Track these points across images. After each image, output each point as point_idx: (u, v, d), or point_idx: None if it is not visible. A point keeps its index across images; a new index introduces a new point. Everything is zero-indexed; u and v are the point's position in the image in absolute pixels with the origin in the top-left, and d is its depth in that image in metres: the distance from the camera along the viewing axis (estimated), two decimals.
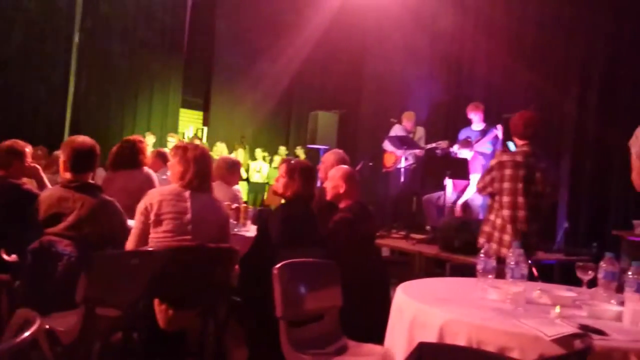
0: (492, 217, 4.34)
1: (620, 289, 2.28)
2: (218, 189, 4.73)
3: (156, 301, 3.09)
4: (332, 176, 3.83)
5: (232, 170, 5.38)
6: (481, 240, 4.35)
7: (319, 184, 4.88)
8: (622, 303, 2.13)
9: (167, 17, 12.27)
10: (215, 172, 5.16)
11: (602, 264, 2.34)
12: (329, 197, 3.83)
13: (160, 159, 5.87)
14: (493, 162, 4.40)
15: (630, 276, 2.13)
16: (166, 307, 3.08)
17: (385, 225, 7.21)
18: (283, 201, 3.77)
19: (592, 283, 2.42)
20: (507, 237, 4.19)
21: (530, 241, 4.07)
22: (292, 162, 3.84)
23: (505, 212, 4.22)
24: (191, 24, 12.71)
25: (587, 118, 7.50)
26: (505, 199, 4.23)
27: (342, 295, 2.89)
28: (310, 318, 2.85)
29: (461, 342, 1.86)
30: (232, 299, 3.56)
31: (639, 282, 2.10)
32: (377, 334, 2.52)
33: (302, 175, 3.67)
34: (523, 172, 4.17)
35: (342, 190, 3.77)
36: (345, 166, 4.07)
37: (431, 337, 1.93)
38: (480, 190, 4.49)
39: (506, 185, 4.23)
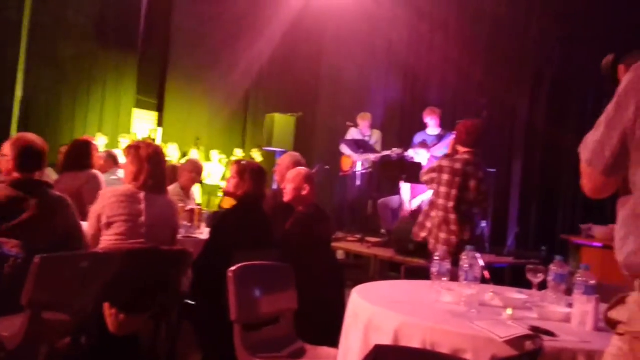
0: (433, 214, 4.69)
1: (569, 291, 2.34)
2: (173, 192, 4.67)
3: (106, 305, 3.01)
4: (293, 177, 3.79)
5: (191, 172, 5.31)
6: (422, 234, 4.64)
7: (275, 186, 4.86)
8: (570, 305, 2.18)
9: (121, 15, 12.01)
10: (174, 174, 5.11)
11: (552, 267, 2.39)
12: (288, 198, 3.80)
13: (111, 160, 5.78)
14: (435, 164, 4.76)
15: (578, 279, 2.19)
16: (116, 311, 3.00)
17: (341, 229, 7.23)
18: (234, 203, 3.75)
19: (542, 285, 2.47)
20: (442, 235, 4.58)
21: (470, 243, 4.24)
22: (243, 162, 3.85)
23: (440, 214, 4.60)
24: (146, 22, 12.48)
25: (538, 123, 7.68)
26: (440, 201, 4.60)
27: (297, 298, 2.88)
28: (265, 321, 2.82)
29: (416, 344, 1.87)
30: (185, 302, 3.50)
31: (587, 285, 2.15)
32: (332, 337, 2.52)
33: (253, 175, 3.68)
34: (459, 180, 4.50)
35: (304, 192, 3.75)
36: (304, 168, 4.06)
37: (386, 340, 1.94)
38: (425, 182, 4.81)
39: (442, 189, 4.58)
